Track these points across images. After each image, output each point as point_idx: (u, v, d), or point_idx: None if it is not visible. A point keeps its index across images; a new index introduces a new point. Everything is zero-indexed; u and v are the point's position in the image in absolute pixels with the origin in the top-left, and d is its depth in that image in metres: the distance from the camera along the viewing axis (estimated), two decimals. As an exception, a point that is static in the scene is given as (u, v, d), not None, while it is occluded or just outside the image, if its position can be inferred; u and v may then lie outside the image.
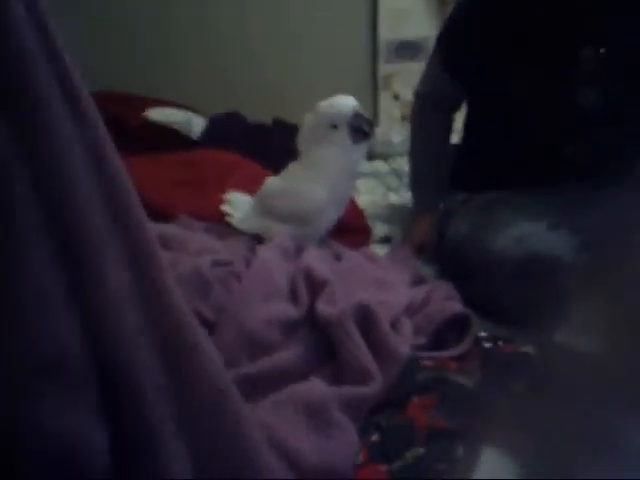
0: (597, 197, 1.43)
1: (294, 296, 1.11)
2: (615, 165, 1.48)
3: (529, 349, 1.13)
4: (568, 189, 1.43)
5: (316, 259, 1.15)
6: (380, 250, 1.53)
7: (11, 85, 0.47)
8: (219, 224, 1.42)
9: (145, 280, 0.58)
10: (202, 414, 0.63)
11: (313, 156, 1.31)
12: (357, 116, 1.26)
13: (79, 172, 0.51)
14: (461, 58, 1.46)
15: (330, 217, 1.34)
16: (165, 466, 0.56)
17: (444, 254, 1.49)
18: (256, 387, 0.95)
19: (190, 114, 2.05)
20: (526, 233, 1.27)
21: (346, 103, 1.26)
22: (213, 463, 0.65)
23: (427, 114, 1.61)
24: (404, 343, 1.01)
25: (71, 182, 0.51)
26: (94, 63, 2.12)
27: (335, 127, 1.27)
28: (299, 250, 1.25)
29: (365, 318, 1.00)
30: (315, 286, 1.08)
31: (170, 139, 1.92)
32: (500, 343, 1.15)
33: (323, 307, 1.02)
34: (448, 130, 1.62)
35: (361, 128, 1.27)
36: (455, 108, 1.61)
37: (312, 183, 1.30)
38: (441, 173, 1.61)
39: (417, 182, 1.66)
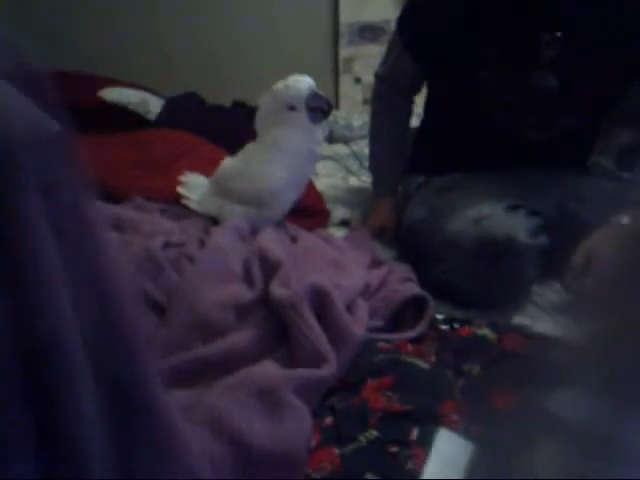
0: (554, 180, 1.44)
1: (248, 278, 1.09)
2: (572, 148, 1.49)
3: (486, 332, 1.12)
4: (526, 172, 1.43)
5: (271, 241, 1.13)
6: (339, 233, 1.52)
7: None
8: (174, 205, 1.39)
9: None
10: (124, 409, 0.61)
11: (271, 137, 1.29)
12: (314, 96, 1.24)
13: None
14: (421, 40, 1.44)
15: (288, 199, 1.32)
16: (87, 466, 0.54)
17: (402, 237, 1.48)
18: (209, 370, 0.93)
19: (147, 95, 2.00)
20: (483, 215, 1.27)
21: (302, 83, 1.24)
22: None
23: (387, 97, 1.59)
24: (359, 325, 1.00)
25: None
26: (45, 42, 2.07)
27: (293, 108, 1.25)
28: (254, 232, 1.23)
29: (319, 300, 0.99)
30: (269, 268, 1.06)
31: (126, 120, 1.87)
32: (457, 325, 1.15)
33: (277, 289, 1.00)
34: (408, 113, 1.61)
35: (319, 107, 1.25)
36: (415, 91, 1.60)
37: (270, 164, 1.27)
38: (401, 156, 1.60)
39: (377, 165, 1.64)
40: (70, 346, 0.51)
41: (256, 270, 1.08)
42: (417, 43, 1.45)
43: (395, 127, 1.61)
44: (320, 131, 1.30)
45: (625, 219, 1.26)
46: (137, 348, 0.60)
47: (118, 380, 0.58)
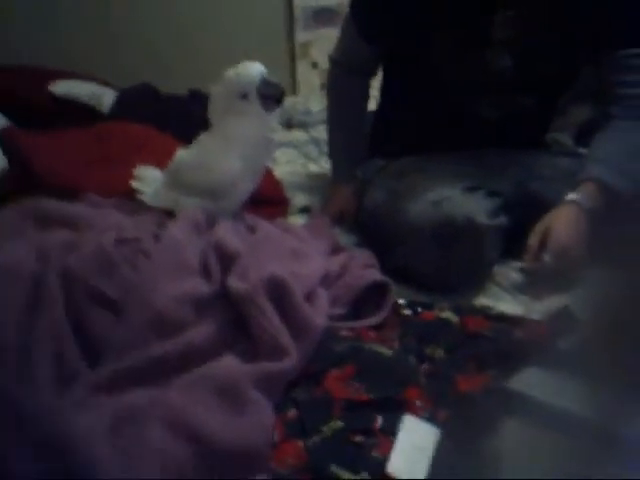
0: (513, 159, 1.44)
1: (205, 271, 1.06)
2: (529, 126, 1.49)
3: (449, 315, 1.12)
4: (484, 152, 1.43)
5: (227, 232, 1.10)
6: (299, 220, 1.50)
7: None
8: (129, 200, 1.35)
9: None
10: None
11: (224, 127, 1.26)
12: (266, 83, 1.22)
13: None
14: (374, 22, 1.43)
15: (244, 189, 1.30)
16: None
17: (362, 222, 1.47)
18: (167, 368, 0.91)
19: (99, 87, 1.95)
20: (442, 197, 1.26)
21: (253, 70, 1.21)
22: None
23: (343, 80, 1.58)
24: (320, 314, 0.99)
25: None
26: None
27: (244, 96, 1.22)
28: (211, 223, 1.20)
29: (278, 291, 0.97)
30: (227, 260, 1.04)
31: (78, 114, 1.83)
32: (419, 310, 1.14)
33: (234, 282, 0.98)
34: (364, 96, 1.60)
35: (271, 95, 1.22)
36: (370, 73, 1.59)
37: (223, 154, 1.25)
38: (358, 141, 1.59)
39: (335, 150, 1.63)
40: None
41: (213, 263, 1.06)
42: (370, 25, 1.44)
43: (351, 111, 1.60)
44: (274, 118, 1.28)
45: (577, 195, 1.27)
46: None
47: None
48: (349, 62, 1.54)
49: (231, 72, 1.22)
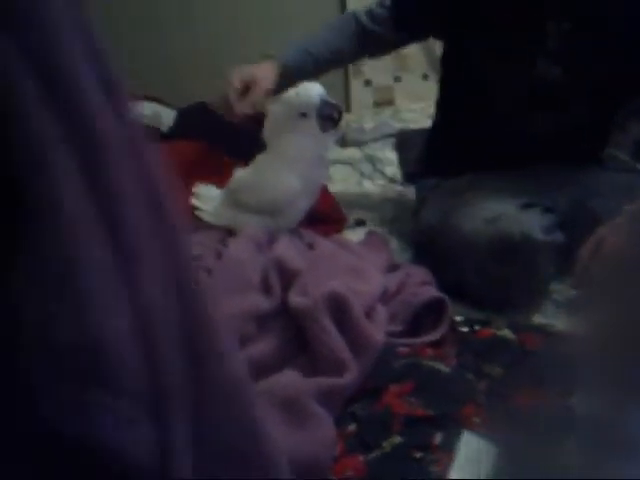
0: (568, 175, 1.44)
1: (266, 287, 1.09)
2: (584, 141, 1.48)
3: (506, 332, 1.12)
4: (539, 169, 1.43)
5: (288, 249, 1.13)
6: (354, 235, 1.51)
7: None
8: (189, 218, 1.39)
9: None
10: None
11: (282, 146, 1.29)
12: (325, 104, 1.24)
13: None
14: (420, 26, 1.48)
15: (302, 207, 1.32)
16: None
17: (417, 240, 1.47)
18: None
19: (158, 106, 2.00)
20: (497, 214, 1.26)
21: (313, 90, 1.24)
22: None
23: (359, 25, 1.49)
24: (379, 331, 1.00)
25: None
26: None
27: (304, 115, 1.25)
28: (271, 241, 1.23)
29: (338, 307, 0.99)
30: (287, 277, 1.06)
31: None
32: (476, 327, 1.15)
33: (295, 298, 1.00)
34: (364, 43, 1.49)
35: (330, 116, 1.25)
36: (379, 45, 1.53)
37: (281, 173, 1.28)
38: (332, 52, 1.47)
39: (307, 40, 1.51)
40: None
41: (274, 279, 1.08)
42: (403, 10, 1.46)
43: (346, 34, 1.48)
44: (330, 139, 1.30)
45: (634, 207, 1.25)
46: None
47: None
48: (367, 28, 1.48)
49: (291, 92, 1.25)
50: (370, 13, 1.48)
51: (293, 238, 1.26)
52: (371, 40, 1.49)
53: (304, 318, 0.98)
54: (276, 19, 2.48)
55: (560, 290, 1.33)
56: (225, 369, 0.59)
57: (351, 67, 2.55)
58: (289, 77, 1.37)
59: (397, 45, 1.55)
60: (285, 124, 1.27)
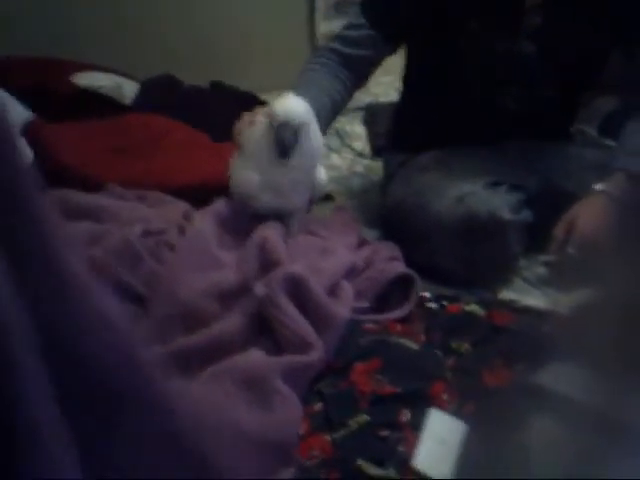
0: (537, 152, 1.43)
1: (238, 265, 1.06)
2: (554, 118, 1.47)
3: (474, 308, 1.11)
4: (507, 146, 1.42)
5: (276, 237, 1.09)
6: (322, 210, 1.48)
7: None
8: (153, 192, 1.36)
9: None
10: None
11: (244, 140, 1.23)
12: (283, 130, 1.12)
13: None
14: (394, 13, 1.38)
15: (267, 201, 1.20)
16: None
17: (386, 217, 1.46)
18: (193, 360, 0.91)
19: (121, 78, 1.95)
20: (465, 193, 1.25)
21: (282, 109, 1.12)
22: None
23: (328, 63, 1.40)
24: (343, 307, 0.99)
25: None
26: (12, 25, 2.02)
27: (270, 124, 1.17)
28: (239, 215, 1.20)
29: (297, 288, 0.97)
30: (267, 264, 1.04)
31: (101, 105, 1.83)
32: (445, 303, 1.14)
33: (257, 287, 0.98)
34: (344, 82, 1.40)
35: (281, 143, 1.13)
36: (363, 76, 1.46)
37: (243, 166, 1.22)
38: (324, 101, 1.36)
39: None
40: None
41: (251, 259, 1.05)
42: (389, 18, 1.38)
43: (326, 79, 1.39)
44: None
45: (606, 185, 1.25)
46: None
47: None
48: (350, 55, 1.40)
49: (279, 99, 1.16)
50: (342, 39, 1.41)
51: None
52: (356, 65, 1.41)
53: (264, 304, 0.96)
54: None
55: (529, 267, 1.32)
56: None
57: (319, 40, 2.52)
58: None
59: (383, 55, 1.43)
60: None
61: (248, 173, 1.19)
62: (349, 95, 1.43)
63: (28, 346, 0.47)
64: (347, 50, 1.39)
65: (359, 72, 1.42)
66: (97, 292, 0.55)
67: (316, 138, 1.16)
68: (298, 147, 1.13)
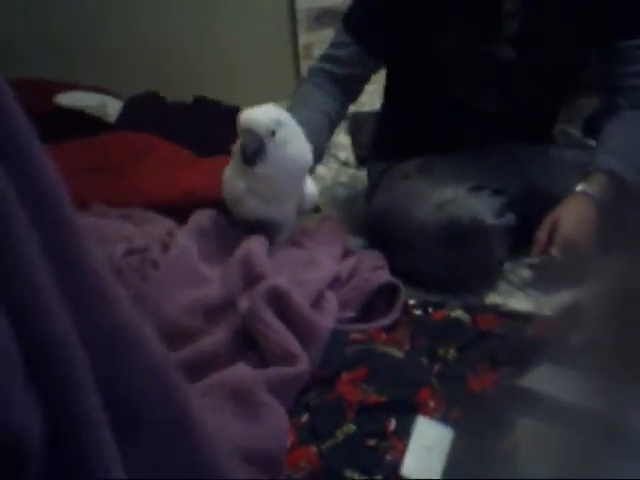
0: (519, 154, 1.44)
1: (222, 279, 1.07)
2: (534, 120, 1.49)
3: (459, 313, 1.12)
4: (489, 150, 1.43)
5: (261, 251, 1.09)
6: (309, 221, 1.48)
7: None
8: (137, 209, 1.36)
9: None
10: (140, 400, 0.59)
11: (234, 149, 1.23)
12: (246, 137, 1.12)
13: None
14: (375, 24, 1.39)
15: (254, 207, 1.20)
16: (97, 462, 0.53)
17: (369, 226, 1.46)
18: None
19: (104, 97, 1.96)
20: (447, 199, 1.26)
21: (248, 117, 1.12)
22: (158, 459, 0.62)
23: (320, 82, 1.44)
24: (328, 318, 0.99)
25: None
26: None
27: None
28: (223, 228, 1.21)
29: (281, 301, 0.98)
30: (250, 278, 1.04)
31: (85, 124, 1.83)
32: (430, 310, 1.14)
33: (241, 301, 0.98)
34: (335, 101, 1.43)
35: (243, 150, 1.13)
36: (353, 85, 1.48)
37: (230, 171, 1.23)
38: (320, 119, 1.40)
39: None
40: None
41: (236, 274, 1.06)
42: (370, 27, 1.39)
43: (319, 97, 1.42)
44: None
45: (587, 186, 1.27)
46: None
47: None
48: (335, 69, 1.43)
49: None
50: (330, 59, 1.43)
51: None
52: (347, 83, 1.44)
53: (248, 319, 0.97)
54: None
55: (513, 270, 1.33)
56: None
57: (301, 50, 2.53)
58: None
59: (372, 71, 1.47)
60: None
61: (235, 179, 1.20)
62: (343, 111, 1.47)
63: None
64: (336, 70, 1.42)
65: (350, 89, 1.46)
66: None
67: (296, 149, 1.16)
68: (266, 156, 1.13)
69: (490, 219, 1.22)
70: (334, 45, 1.44)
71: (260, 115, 1.11)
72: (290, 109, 1.31)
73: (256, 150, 1.11)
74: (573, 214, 1.24)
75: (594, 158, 1.31)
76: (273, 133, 1.11)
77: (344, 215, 1.58)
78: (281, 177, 1.16)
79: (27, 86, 1.92)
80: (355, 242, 1.43)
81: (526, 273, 1.32)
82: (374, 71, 1.48)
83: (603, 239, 1.24)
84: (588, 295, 1.18)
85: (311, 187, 1.27)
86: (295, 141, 1.16)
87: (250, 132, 1.10)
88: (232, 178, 1.20)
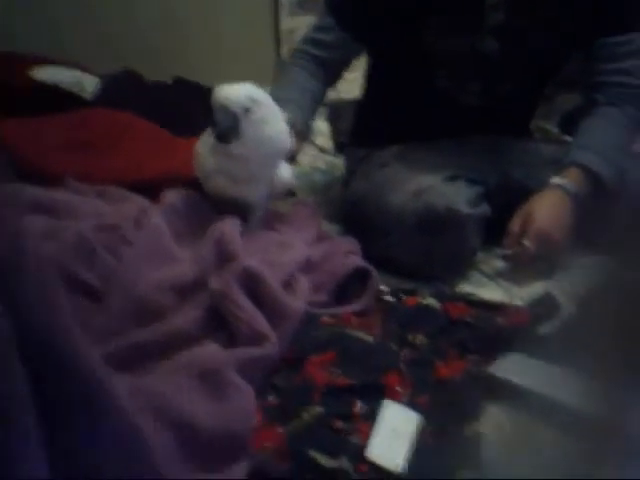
0: (497, 146, 1.45)
1: (194, 257, 1.06)
2: (514, 114, 1.49)
3: (431, 301, 1.12)
4: (467, 141, 1.43)
5: (234, 231, 1.09)
6: (284, 205, 1.48)
7: None
8: (112, 187, 1.34)
9: None
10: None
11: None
12: (218, 113, 1.11)
13: None
14: (359, 11, 1.39)
15: (222, 185, 1.21)
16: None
17: (345, 212, 1.46)
18: (147, 355, 0.91)
19: (81, 73, 1.93)
20: (423, 187, 1.26)
21: (221, 94, 1.10)
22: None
23: (304, 64, 1.45)
24: (299, 300, 0.99)
25: None
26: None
27: None
28: (197, 208, 1.20)
29: (252, 281, 0.97)
30: (223, 257, 1.04)
31: (61, 100, 1.81)
32: (402, 296, 1.14)
33: (213, 280, 0.98)
34: (320, 81, 1.45)
35: (217, 126, 1.12)
36: (336, 68, 1.49)
37: (201, 146, 1.22)
38: (307, 96, 1.42)
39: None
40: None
41: (207, 252, 1.05)
42: (354, 16, 1.39)
43: (302, 82, 1.43)
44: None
45: (561, 180, 1.28)
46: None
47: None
48: (318, 52, 1.44)
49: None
50: (313, 42, 1.43)
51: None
52: (329, 66, 1.45)
53: (219, 299, 0.96)
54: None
55: (486, 260, 1.34)
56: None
57: (283, 35, 2.52)
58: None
59: (354, 55, 1.48)
60: None
61: (205, 155, 1.20)
62: (325, 93, 1.48)
63: None
64: (319, 53, 1.42)
65: (332, 72, 1.47)
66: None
67: (273, 131, 1.16)
68: (240, 134, 1.12)
69: (465, 208, 1.23)
70: (318, 28, 1.44)
71: (235, 92, 1.10)
72: (276, 88, 1.33)
73: (229, 127, 1.10)
74: (546, 207, 1.25)
75: (569, 152, 1.32)
76: (248, 111, 1.10)
77: (320, 201, 1.58)
78: (254, 158, 1.16)
79: (3, 59, 1.90)
80: (331, 228, 1.43)
81: (499, 264, 1.33)
82: (356, 56, 1.48)
83: (578, 232, 1.26)
84: (561, 286, 1.20)
85: (286, 171, 1.26)
86: (272, 122, 1.15)
87: (224, 108, 1.09)
88: (203, 153, 1.20)
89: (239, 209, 1.20)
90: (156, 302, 0.97)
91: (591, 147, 1.31)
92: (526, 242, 1.23)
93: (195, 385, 0.86)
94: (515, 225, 1.25)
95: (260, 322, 0.92)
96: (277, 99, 1.23)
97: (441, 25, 1.32)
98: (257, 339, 0.91)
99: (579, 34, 1.34)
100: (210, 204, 1.24)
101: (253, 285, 0.97)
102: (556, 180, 1.28)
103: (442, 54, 1.36)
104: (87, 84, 1.89)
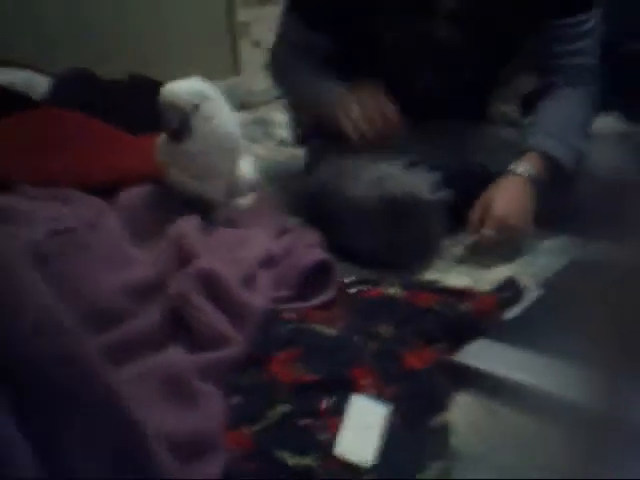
0: (457, 132, 1.44)
1: (153, 260, 1.04)
2: (474, 98, 1.49)
3: (395, 291, 1.11)
4: (426, 126, 1.43)
5: (192, 229, 1.07)
6: (244, 200, 1.46)
7: None
8: (67, 189, 1.31)
9: None
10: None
11: None
12: (167, 111, 1.11)
13: None
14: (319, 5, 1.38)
15: (180, 182, 1.21)
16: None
17: (307, 203, 1.45)
18: (107, 359, 0.89)
19: (30, 73, 1.89)
20: (382, 175, 1.25)
21: (167, 92, 1.10)
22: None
23: (290, 60, 1.48)
24: (259, 297, 0.98)
25: None
26: None
27: None
28: (154, 209, 1.18)
29: (210, 282, 0.96)
30: (182, 258, 1.02)
31: (9, 101, 1.76)
32: (366, 287, 1.13)
33: (173, 285, 0.96)
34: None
35: (166, 126, 1.12)
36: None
37: (162, 147, 1.21)
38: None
39: (307, 87, 1.48)
40: None
41: (165, 254, 1.03)
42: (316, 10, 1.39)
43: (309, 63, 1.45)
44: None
45: (519, 165, 1.28)
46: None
47: None
48: (294, 45, 1.46)
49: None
50: (288, 44, 1.46)
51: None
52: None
53: (178, 302, 0.95)
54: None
55: (449, 246, 1.34)
56: None
57: (239, 28, 2.49)
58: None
59: (327, 49, 1.45)
60: None
61: (162, 153, 1.20)
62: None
63: None
64: (297, 53, 1.43)
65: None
66: None
67: (223, 124, 1.14)
68: (192, 131, 1.11)
69: (425, 195, 1.22)
70: (285, 31, 1.46)
71: (182, 89, 1.08)
72: (301, 84, 1.43)
73: (179, 125, 1.08)
74: (505, 194, 1.26)
75: (526, 137, 1.33)
76: (197, 107, 1.08)
77: (281, 194, 1.57)
78: (207, 153, 1.14)
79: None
80: (292, 221, 1.41)
81: (462, 249, 1.33)
82: (329, 48, 1.46)
83: (541, 216, 1.26)
84: (529, 272, 1.21)
85: (247, 166, 1.25)
86: (222, 115, 1.14)
87: (173, 106, 1.08)
88: (161, 151, 1.18)
89: (199, 207, 1.19)
90: (114, 306, 0.95)
91: (549, 131, 1.32)
92: (486, 231, 1.23)
93: (161, 393, 0.84)
94: (475, 214, 1.26)
95: (221, 324, 0.91)
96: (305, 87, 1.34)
97: (393, 11, 1.32)
98: (220, 341, 0.90)
99: (534, 16, 1.34)
100: (172, 202, 1.22)
101: (211, 286, 0.96)
102: (515, 166, 1.28)
103: (395, 40, 1.36)
104: (38, 85, 1.85)
